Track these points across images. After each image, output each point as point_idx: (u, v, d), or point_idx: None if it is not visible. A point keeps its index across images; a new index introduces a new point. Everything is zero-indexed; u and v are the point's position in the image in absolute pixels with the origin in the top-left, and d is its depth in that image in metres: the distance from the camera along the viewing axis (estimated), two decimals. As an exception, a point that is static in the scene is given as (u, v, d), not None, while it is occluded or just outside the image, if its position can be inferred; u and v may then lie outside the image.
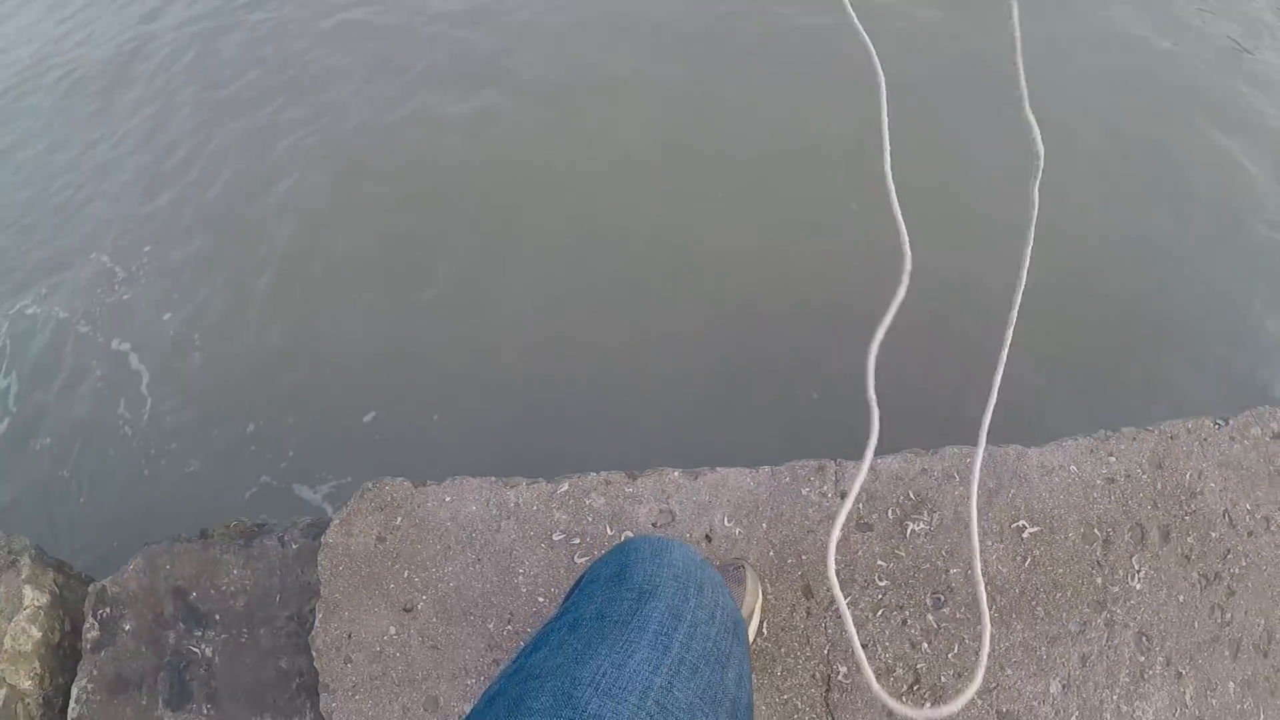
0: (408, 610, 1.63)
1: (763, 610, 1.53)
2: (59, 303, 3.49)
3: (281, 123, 3.92)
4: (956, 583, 1.55)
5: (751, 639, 1.50)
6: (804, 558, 1.60)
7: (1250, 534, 1.59)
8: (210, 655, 1.75)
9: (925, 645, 1.51)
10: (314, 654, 1.62)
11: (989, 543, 1.57)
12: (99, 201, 3.83)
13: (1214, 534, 1.58)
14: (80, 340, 3.34)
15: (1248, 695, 1.48)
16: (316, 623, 1.64)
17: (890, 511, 1.62)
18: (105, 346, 3.30)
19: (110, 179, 3.92)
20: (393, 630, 1.62)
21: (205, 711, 1.71)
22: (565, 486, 1.71)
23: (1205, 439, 1.68)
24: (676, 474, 1.70)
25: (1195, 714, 1.45)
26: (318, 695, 1.60)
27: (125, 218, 3.72)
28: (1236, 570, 1.56)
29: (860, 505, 1.63)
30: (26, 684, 1.87)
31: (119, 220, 3.72)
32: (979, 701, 1.45)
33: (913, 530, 1.60)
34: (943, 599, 1.54)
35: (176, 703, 1.72)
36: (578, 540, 1.65)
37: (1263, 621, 1.53)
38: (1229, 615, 1.53)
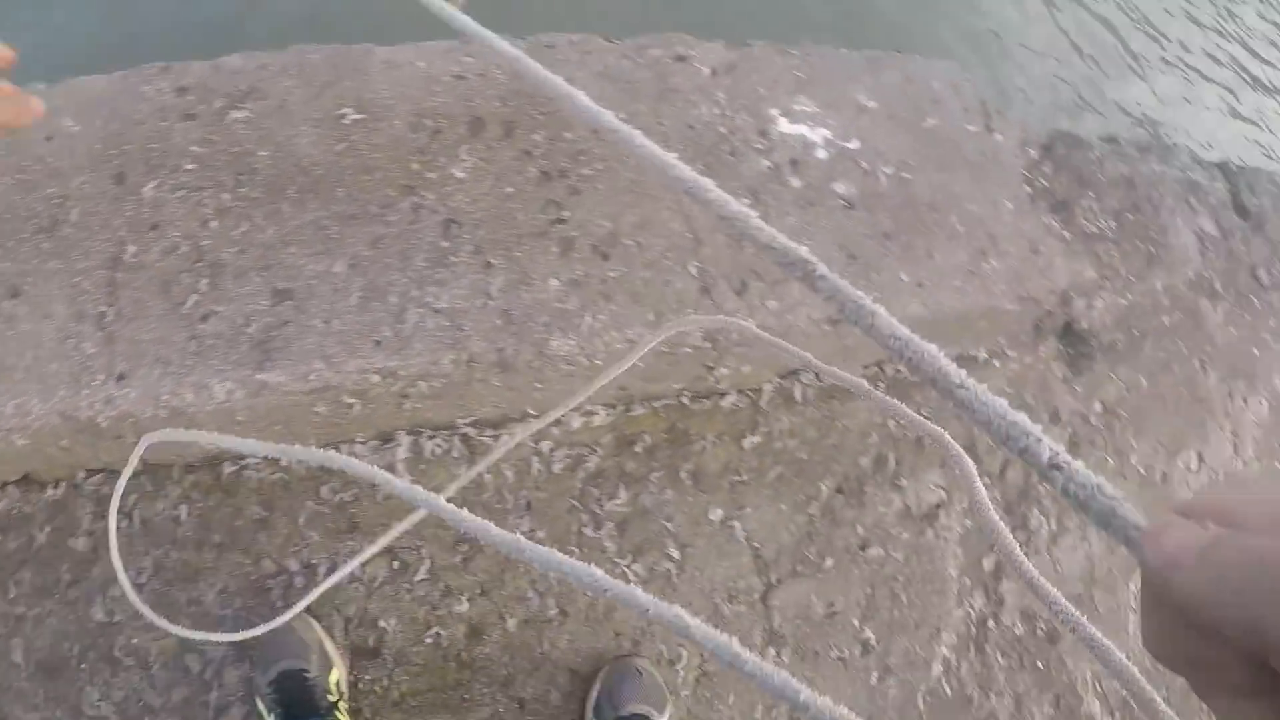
0: None
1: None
2: None
3: None
4: (262, 164, 1.35)
5: None
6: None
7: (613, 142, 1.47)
8: None
9: (214, 223, 1.31)
10: None
11: (305, 128, 1.37)
12: None
13: (569, 135, 1.45)
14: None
15: (572, 294, 1.36)
16: None
17: (217, 101, 1.40)
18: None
19: None
20: None
21: None
22: None
23: (589, 51, 1.55)
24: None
25: (502, 307, 1.32)
26: None
27: None
28: (588, 172, 1.44)
29: (189, 96, 1.41)
30: None
31: None
32: (256, 278, 1.27)
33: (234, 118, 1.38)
34: (244, 179, 1.34)
35: None
36: None
37: (609, 225, 1.42)
38: (566, 213, 1.40)
